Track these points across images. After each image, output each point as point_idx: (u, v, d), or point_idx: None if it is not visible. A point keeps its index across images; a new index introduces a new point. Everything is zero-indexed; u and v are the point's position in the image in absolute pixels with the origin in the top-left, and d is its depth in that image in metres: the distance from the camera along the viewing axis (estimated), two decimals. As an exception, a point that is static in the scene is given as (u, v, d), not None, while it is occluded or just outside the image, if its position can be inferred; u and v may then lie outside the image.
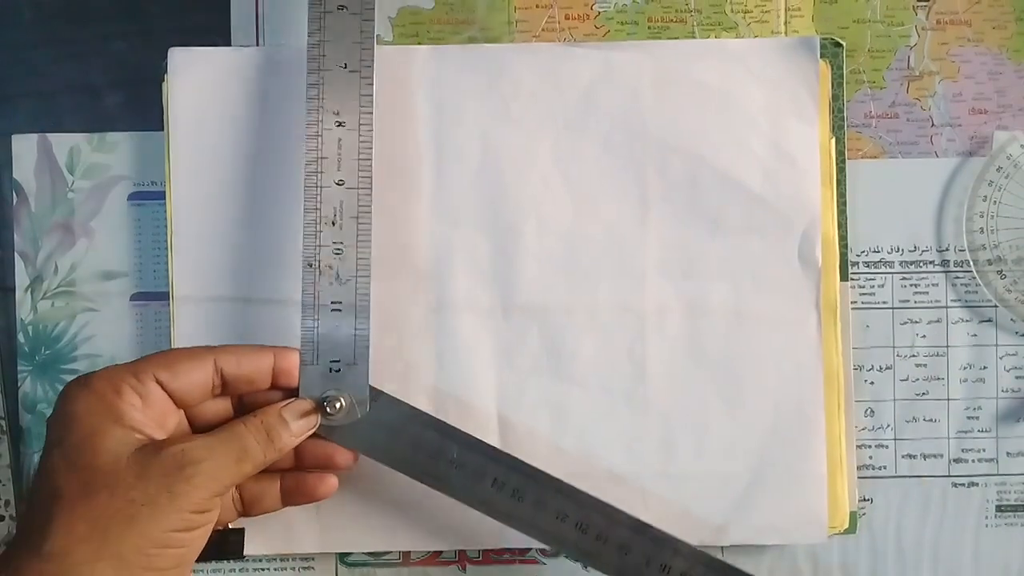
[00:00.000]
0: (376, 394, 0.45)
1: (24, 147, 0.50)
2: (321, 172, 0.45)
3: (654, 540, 0.45)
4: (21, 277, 0.50)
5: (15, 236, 0.50)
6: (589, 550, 0.45)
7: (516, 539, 0.48)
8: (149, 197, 0.50)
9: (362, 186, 0.45)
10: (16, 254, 0.50)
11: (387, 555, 0.50)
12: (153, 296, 0.49)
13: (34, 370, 0.50)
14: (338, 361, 0.45)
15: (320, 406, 0.44)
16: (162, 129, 0.48)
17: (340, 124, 0.45)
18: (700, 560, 0.45)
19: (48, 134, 0.50)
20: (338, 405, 0.44)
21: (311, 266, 0.45)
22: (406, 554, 0.50)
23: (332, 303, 0.45)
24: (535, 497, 0.45)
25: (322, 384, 0.44)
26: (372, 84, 0.45)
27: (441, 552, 0.50)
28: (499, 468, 0.45)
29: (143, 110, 0.49)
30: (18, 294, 0.50)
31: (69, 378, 0.49)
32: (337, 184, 0.45)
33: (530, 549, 0.49)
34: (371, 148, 0.45)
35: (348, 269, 0.45)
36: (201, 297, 0.48)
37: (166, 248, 0.48)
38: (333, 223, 0.45)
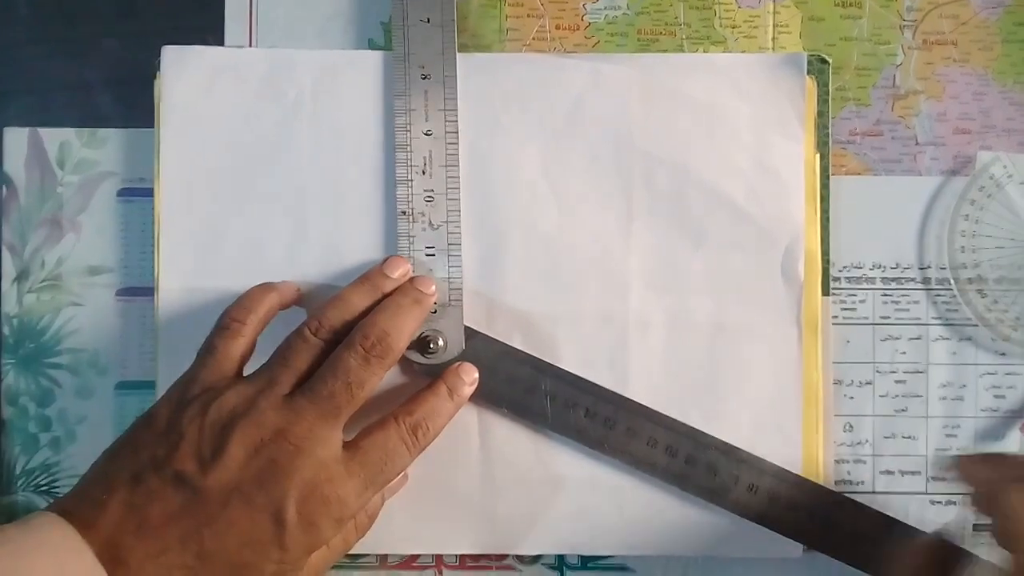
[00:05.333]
0: (471, 332, 0.47)
1: (15, 141, 0.50)
2: (410, 124, 0.47)
3: (741, 461, 0.47)
4: (8, 270, 0.50)
5: (3, 229, 0.50)
6: (679, 473, 0.47)
7: (493, 545, 0.48)
8: (137, 194, 0.50)
9: (449, 136, 0.47)
10: (3, 247, 0.50)
11: (364, 558, 0.49)
12: (139, 292, 0.50)
13: (17, 363, 0.50)
14: (434, 303, 0.47)
15: (421, 345, 0.47)
16: (153, 126, 0.48)
17: (425, 77, 0.47)
18: (786, 479, 0.47)
19: (39, 128, 0.50)
20: (439, 343, 0.47)
21: (405, 214, 0.47)
22: (383, 557, 0.50)
23: (426, 248, 0.47)
24: (626, 424, 0.47)
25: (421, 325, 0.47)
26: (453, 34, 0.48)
27: (418, 556, 0.50)
28: (590, 399, 0.48)
29: (135, 107, 0.49)
30: (4, 287, 0.50)
31: (53, 372, 0.49)
32: (426, 134, 0.47)
33: (507, 556, 0.49)
34: (456, 100, 0.47)
35: (439, 215, 0.47)
36: (185, 289, 0.48)
37: (153, 244, 0.48)
38: (423, 172, 0.47)
